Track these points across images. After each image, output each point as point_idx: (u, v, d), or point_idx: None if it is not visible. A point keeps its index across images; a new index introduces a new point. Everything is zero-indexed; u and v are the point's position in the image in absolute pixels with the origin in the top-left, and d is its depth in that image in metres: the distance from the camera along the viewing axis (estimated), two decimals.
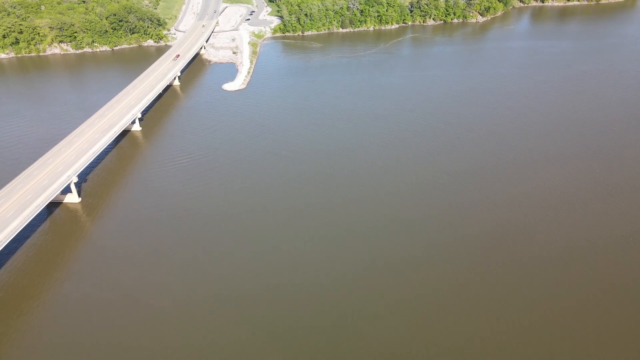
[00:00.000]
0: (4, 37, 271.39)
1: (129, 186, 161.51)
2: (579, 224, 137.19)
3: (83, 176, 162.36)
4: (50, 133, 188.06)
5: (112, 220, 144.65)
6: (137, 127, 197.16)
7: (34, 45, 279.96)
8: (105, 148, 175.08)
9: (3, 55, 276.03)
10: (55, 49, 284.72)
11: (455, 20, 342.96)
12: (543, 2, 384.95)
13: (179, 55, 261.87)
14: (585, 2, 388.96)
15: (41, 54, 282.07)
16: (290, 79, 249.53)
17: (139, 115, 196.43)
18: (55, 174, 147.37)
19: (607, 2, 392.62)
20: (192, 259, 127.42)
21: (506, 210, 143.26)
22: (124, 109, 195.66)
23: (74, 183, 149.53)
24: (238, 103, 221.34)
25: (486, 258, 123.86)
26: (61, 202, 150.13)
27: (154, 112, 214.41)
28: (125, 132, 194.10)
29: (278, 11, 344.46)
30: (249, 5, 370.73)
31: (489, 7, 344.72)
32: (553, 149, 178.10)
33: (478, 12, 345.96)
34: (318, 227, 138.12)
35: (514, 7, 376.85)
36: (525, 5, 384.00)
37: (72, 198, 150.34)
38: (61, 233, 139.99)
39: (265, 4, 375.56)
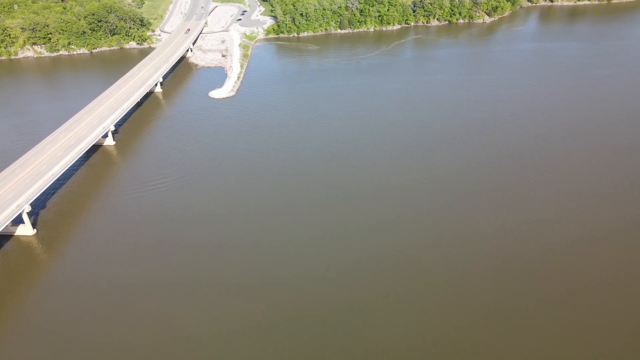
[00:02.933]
0: None
1: (96, 214, 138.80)
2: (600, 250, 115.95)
3: (41, 203, 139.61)
4: (6, 150, 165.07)
5: (74, 257, 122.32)
6: (110, 142, 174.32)
7: (5, 48, 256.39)
8: (72, 167, 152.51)
9: None
10: (28, 52, 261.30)
11: (461, 21, 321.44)
12: (552, 2, 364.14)
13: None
14: (597, 2, 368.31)
15: (12, 57, 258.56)
16: (284, 85, 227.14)
17: (112, 128, 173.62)
18: (3, 202, 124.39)
19: (618, 1, 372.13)
20: (163, 309, 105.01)
21: (530, 247, 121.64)
22: (96, 120, 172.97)
23: (27, 212, 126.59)
24: (226, 113, 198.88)
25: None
26: (12, 235, 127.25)
27: (131, 124, 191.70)
28: (96, 147, 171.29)
29: (272, 11, 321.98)
30: (241, 5, 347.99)
31: (497, 7, 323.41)
32: (580, 165, 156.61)
33: (485, 12, 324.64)
34: (320, 264, 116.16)
35: (521, 7, 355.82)
36: (534, 4, 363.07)
37: (25, 230, 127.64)
38: (9, 273, 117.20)
39: (258, 4, 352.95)
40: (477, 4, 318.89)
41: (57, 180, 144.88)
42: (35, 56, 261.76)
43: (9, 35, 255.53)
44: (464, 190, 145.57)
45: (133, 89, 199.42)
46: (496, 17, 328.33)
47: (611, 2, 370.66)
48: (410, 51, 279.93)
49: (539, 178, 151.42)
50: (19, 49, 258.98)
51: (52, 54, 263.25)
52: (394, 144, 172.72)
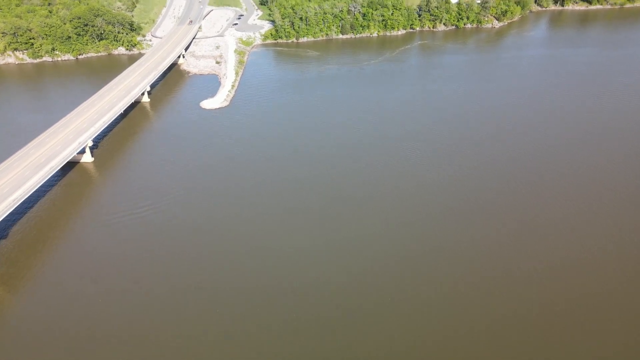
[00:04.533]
0: None
1: (65, 246, 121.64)
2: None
3: (1, 232, 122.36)
4: None
5: (34, 297, 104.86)
6: (87, 158, 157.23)
7: None
8: (42, 187, 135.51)
9: None
10: (9, 58, 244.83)
11: (469, 26, 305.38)
12: (563, 7, 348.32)
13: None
14: (609, 7, 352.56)
15: None
16: (282, 94, 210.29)
17: (90, 143, 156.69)
18: None
19: (632, 6, 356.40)
20: None
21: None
22: (72, 134, 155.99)
23: None
24: (218, 125, 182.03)
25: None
26: None
27: (113, 137, 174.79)
28: (73, 164, 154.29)
29: (269, 15, 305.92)
30: (237, 9, 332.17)
31: (506, 11, 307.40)
32: (614, 192, 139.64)
33: (494, 17, 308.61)
34: (321, 271, 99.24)
35: (531, 11, 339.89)
36: (544, 9, 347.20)
37: None
38: None
39: (256, 7, 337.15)
40: (485, 8, 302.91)
41: (23, 204, 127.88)
42: (16, 62, 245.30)
43: None
44: (475, 199, 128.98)
45: (117, 99, 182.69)
46: (505, 22, 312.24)
47: (624, 7, 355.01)
48: (416, 57, 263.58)
49: (557, 190, 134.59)
50: None
51: (35, 60, 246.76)
52: (401, 158, 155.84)
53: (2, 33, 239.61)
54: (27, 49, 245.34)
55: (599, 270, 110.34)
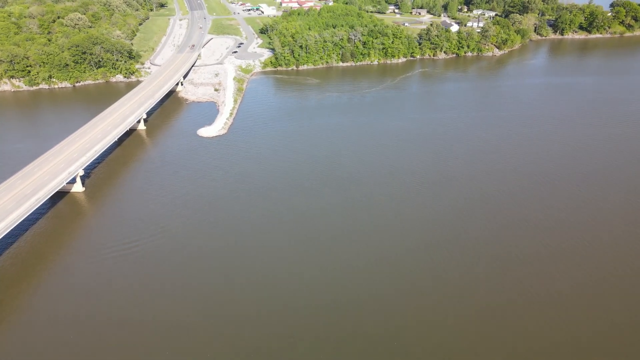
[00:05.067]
0: None
1: (50, 283, 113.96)
2: None
3: None
4: None
5: (13, 336, 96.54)
6: (78, 188, 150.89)
7: None
8: (29, 218, 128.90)
9: None
10: (6, 85, 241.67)
11: (469, 54, 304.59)
12: (562, 35, 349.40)
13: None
14: (609, 35, 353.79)
15: None
16: (281, 123, 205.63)
17: (82, 173, 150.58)
18: None
19: (631, 35, 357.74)
20: None
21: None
22: (63, 163, 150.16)
23: None
24: (215, 154, 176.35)
25: None
26: None
27: (106, 166, 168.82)
28: (62, 194, 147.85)
29: (269, 43, 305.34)
30: (237, 37, 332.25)
31: (506, 40, 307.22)
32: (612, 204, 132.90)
33: (494, 45, 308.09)
34: (321, 302, 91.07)
35: (531, 40, 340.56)
36: (543, 38, 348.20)
37: None
38: None
39: (256, 36, 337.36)
40: (485, 36, 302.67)
41: (6, 238, 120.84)
42: (12, 90, 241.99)
43: None
44: (475, 232, 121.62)
45: (111, 127, 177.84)
46: (506, 50, 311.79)
47: (623, 35, 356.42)
48: (417, 85, 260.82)
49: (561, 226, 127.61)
50: None
51: (32, 88, 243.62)
52: (401, 188, 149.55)
53: None
54: (23, 77, 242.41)
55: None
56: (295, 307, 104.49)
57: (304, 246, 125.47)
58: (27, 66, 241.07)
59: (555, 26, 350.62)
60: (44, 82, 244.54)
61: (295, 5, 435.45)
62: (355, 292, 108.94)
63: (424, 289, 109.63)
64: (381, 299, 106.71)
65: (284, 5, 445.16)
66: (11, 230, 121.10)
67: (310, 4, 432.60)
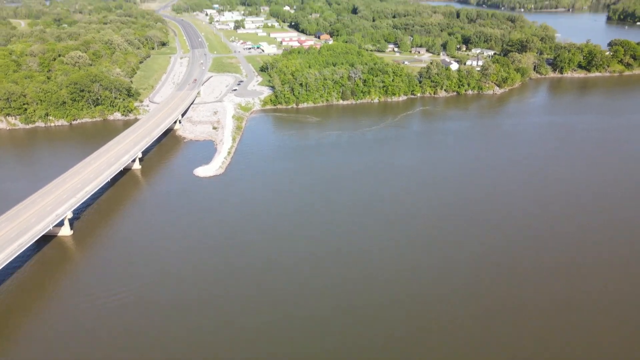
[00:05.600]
0: None
1: (33, 334, 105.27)
2: None
3: None
4: None
5: None
6: (66, 231, 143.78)
7: None
8: (11, 264, 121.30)
9: None
10: (1, 123, 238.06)
11: (470, 92, 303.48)
12: (562, 74, 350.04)
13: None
14: (608, 74, 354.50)
15: None
16: (280, 162, 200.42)
17: (70, 215, 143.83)
18: None
19: (630, 73, 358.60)
20: None
21: None
22: (51, 204, 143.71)
23: None
24: (211, 195, 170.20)
25: None
26: None
27: (98, 207, 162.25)
28: (49, 238, 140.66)
29: (269, 81, 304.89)
30: (237, 75, 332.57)
31: (507, 78, 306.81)
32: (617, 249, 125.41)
33: (495, 83, 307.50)
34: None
35: (531, 79, 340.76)
36: (543, 76, 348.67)
37: None
38: None
39: (256, 74, 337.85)
40: (486, 75, 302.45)
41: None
42: (8, 128, 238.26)
43: None
44: (477, 281, 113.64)
45: (105, 166, 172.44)
46: (506, 89, 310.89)
47: (622, 74, 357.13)
48: (419, 123, 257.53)
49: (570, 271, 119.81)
50: None
51: (28, 126, 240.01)
52: (408, 234, 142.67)
53: None
54: (20, 114, 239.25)
55: None
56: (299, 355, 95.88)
57: (302, 291, 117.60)
58: (23, 104, 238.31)
59: (554, 65, 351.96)
60: (40, 120, 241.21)
61: (295, 44, 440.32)
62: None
63: None
64: None
65: (284, 44, 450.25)
66: None
67: (311, 42, 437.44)
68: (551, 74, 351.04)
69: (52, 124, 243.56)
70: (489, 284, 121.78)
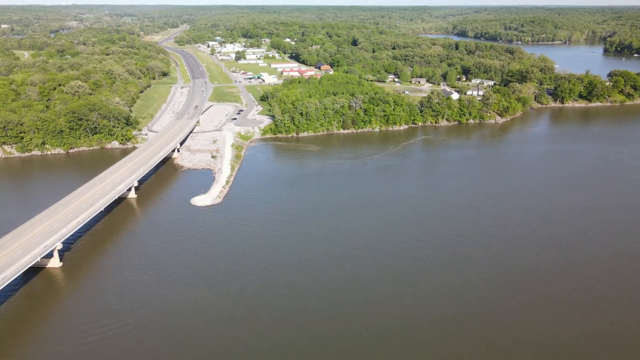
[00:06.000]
0: None
1: None
2: None
3: None
4: None
5: None
6: (55, 263, 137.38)
7: None
8: (2, 292, 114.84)
9: None
10: None
11: (472, 121, 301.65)
12: (563, 103, 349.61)
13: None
14: (609, 104, 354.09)
15: None
16: (279, 192, 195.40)
17: (60, 246, 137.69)
18: None
19: (631, 103, 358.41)
20: None
21: None
22: (40, 235, 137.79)
23: None
24: (208, 225, 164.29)
25: None
26: None
27: (90, 237, 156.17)
28: (37, 270, 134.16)
29: (269, 110, 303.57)
30: (237, 104, 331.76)
31: (508, 108, 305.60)
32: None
33: (496, 113, 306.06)
34: None
35: (532, 108, 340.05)
36: (544, 106, 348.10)
37: None
38: None
39: (256, 103, 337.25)
40: (487, 104, 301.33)
41: None
42: (3, 156, 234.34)
43: None
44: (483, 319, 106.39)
45: (99, 196, 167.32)
46: (508, 118, 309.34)
47: (624, 104, 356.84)
48: (420, 152, 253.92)
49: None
50: None
51: (23, 154, 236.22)
52: (414, 267, 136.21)
53: None
54: (16, 143, 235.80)
55: None
56: None
57: (301, 323, 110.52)
58: (20, 132, 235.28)
59: (555, 95, 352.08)
60: (36, 149, 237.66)
61: (296, 74, 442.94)
62: None
63: None
64: None
65: (285, 74, 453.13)
66: None
67: (311, 73, 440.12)
68: (552, 104, 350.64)
69: (49, 152, 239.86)
70: (504, 319, 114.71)
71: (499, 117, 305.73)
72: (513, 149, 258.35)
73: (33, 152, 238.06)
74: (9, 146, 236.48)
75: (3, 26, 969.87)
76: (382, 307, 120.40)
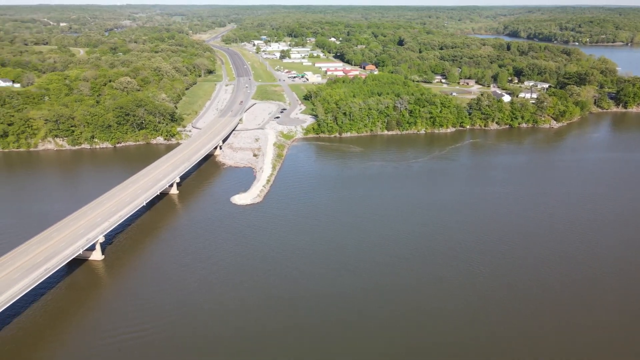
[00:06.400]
0: None
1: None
2: None
3: None
4: None
5: None
6: (97, 256, 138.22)
7: (25, 140, 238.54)
8: (40, 287, 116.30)
9: None
10: (49, 144, 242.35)
11: (524, 125, 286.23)
12: (625, 108, 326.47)
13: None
14: None
15: (32, 149, 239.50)
16: (320, 192, 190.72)
17: (102, 239, 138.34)
18: None
19: None
20: None
21: None
22: (83, 228, 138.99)
23: None
24: (247, 225, 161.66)
25: None
26: None
27: (131, 232, 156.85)
28: (80, 262, 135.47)
29: (312, 109, 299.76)
30: (281, 103, 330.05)
31: (564, 112, 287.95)
32: None
33: (552, 117, 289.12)
34: None
35: (591, 113, 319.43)
36: (605, 111, 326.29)
37: None
38: None
39: (299, 102, 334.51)
40: (542, 108, 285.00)
41: (5, 312, 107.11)
42: (55, 149, 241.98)
43: (31, 126, 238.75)
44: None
45: (141, 191, 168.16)
46: (564, 123, 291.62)
47: None
48: (468, 156, 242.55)
49: None
50: (40, 141, 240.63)
51: (74, 147, 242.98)
52: (461, 278, 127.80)
53: (45, 120, 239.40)
54: (67, 136, 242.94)
55: None
56: None
57: (338, 332, 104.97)
58: (71, 126, 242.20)
59: (617, 99, 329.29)
60: (86, 142, 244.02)
61: (340, 73, 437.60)
62: None
63: None
64: None
65: (329, 73, 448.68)
66: (14, 303, 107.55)
67: (356, 72, 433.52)
68: (614, 109, 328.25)
69: (97, 146, 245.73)
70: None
71: (555, 122, 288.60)
72: (571, 155, 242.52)
73: (83, 146, 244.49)
74: (61, 139, 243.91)
75: (62, 24, 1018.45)
76: (412, 298, 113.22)
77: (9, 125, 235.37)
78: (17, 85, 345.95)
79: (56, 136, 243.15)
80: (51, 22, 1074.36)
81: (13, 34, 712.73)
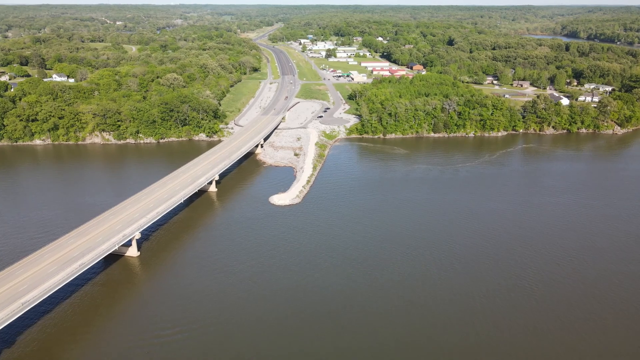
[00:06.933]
0: (43, 121, 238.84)
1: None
2: None
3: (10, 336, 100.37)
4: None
5: None
6: (133, 252, 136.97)
7: (74, 133, 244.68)
8: (75, 281, 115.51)
9: (38, 142, 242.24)
10: (96, 138, 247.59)
11: (584, 130, 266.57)
12: None
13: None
14: None
15: (80, 142, 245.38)
16: (362, 194, 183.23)
17: (138, 236, 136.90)
18: None
19: None
20: None
21: None
22: (120, 223, 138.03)
23: None
24: (285, 226, 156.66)
25: None
26: None
27: (168, 229, 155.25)
28: (116, 257, 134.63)
29: (357, 109, 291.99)
30: (324, 102, 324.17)
31: (631, 117, 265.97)
32: None
33: (615, 122, 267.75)
34: None
35: None
36: None
37: None
38: None
39: (343, 101, 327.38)
40: (604, 112, 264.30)
41: (39, 306, 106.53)
42: (102, 143, 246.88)
43: (80, 120, 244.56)
44: None
45: (180, 187, 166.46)
46: (630, 129, 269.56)
47: None
48: (520, 162, 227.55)
49: None
50: (88, 134, 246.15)
51: (119, 142, 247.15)
52: (511, 292, 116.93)
53: (93, 114, 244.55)
54: (113, 130, 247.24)
55: None
56: None
57: (383, 335, 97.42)
58: (117, 121, 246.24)
59: None
60: (131, 137, 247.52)
61: (386, 73, 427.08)
62: None
63: None
64: None
65: (375, 73, 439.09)
66: (49, 296, 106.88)
67: (403, 72, 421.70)
68: None
69: (142, 141, 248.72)
70: None
71: (619, 127, 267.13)
72: (635, 165, 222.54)
73: (128, 140, 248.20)
74: (107, 133, 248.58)
75: (118, 23, 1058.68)
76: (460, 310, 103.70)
77: (60, 118, 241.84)
78: (72, 80, 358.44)
79: (103, 130, 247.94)
80: (108, 21, 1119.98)
81: (72, 31, 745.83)
